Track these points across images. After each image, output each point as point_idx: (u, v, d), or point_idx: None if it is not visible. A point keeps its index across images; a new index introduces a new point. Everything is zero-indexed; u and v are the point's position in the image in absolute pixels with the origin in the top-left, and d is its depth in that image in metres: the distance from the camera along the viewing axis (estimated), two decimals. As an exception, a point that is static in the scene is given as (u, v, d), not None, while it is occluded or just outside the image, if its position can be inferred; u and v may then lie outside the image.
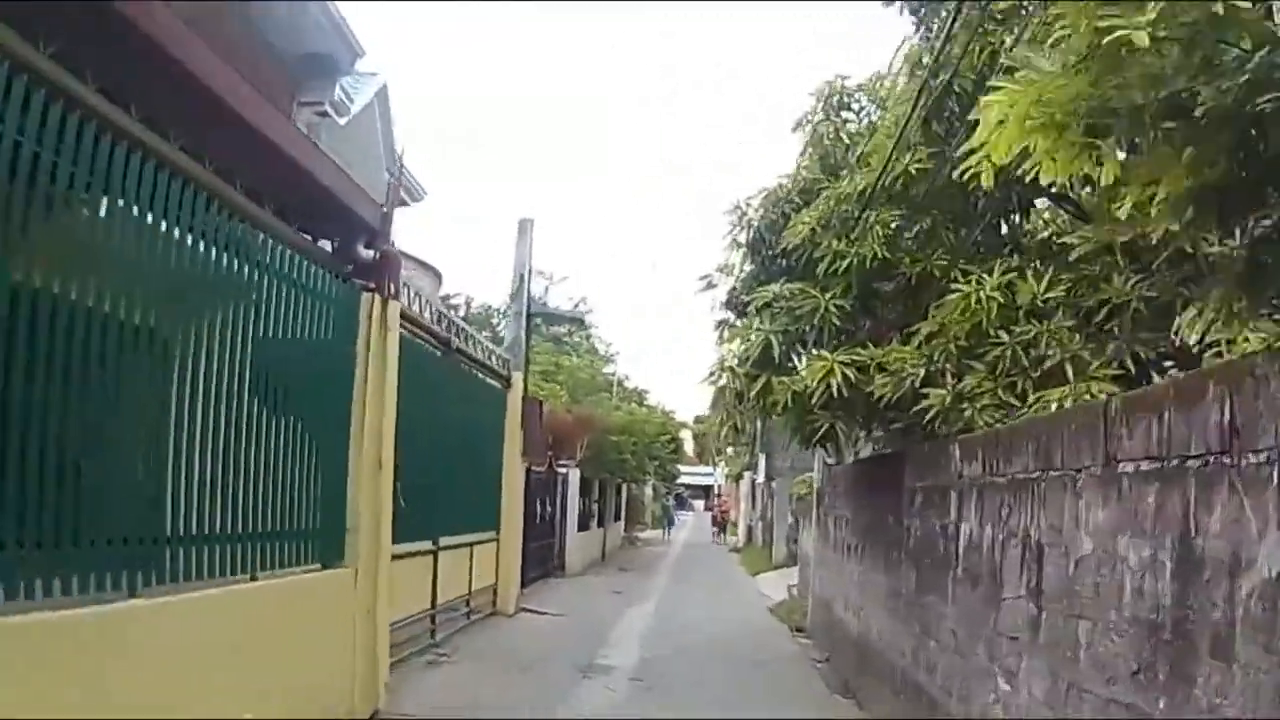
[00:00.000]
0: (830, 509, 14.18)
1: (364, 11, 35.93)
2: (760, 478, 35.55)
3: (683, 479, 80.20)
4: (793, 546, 25.70)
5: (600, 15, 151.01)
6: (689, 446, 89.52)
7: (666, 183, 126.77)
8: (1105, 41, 3.00)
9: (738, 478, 51.20)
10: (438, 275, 22.33)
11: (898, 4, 8.70)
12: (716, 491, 55.16)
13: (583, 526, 24.48)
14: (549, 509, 21.08)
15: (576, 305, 43.84)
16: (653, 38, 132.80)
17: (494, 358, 14.93)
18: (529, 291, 17.14)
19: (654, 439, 30.06)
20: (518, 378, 16.08)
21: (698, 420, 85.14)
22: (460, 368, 12.79)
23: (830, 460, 15.36)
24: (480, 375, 14.20)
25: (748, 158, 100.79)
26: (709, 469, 76.77)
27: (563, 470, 22.51)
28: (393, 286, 8.37)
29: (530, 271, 17.23)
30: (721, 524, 46.65)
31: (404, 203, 22.61)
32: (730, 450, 64.73)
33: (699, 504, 78.78)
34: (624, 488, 35.34)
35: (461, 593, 13.19)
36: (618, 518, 33.48)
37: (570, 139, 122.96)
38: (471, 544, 13.53)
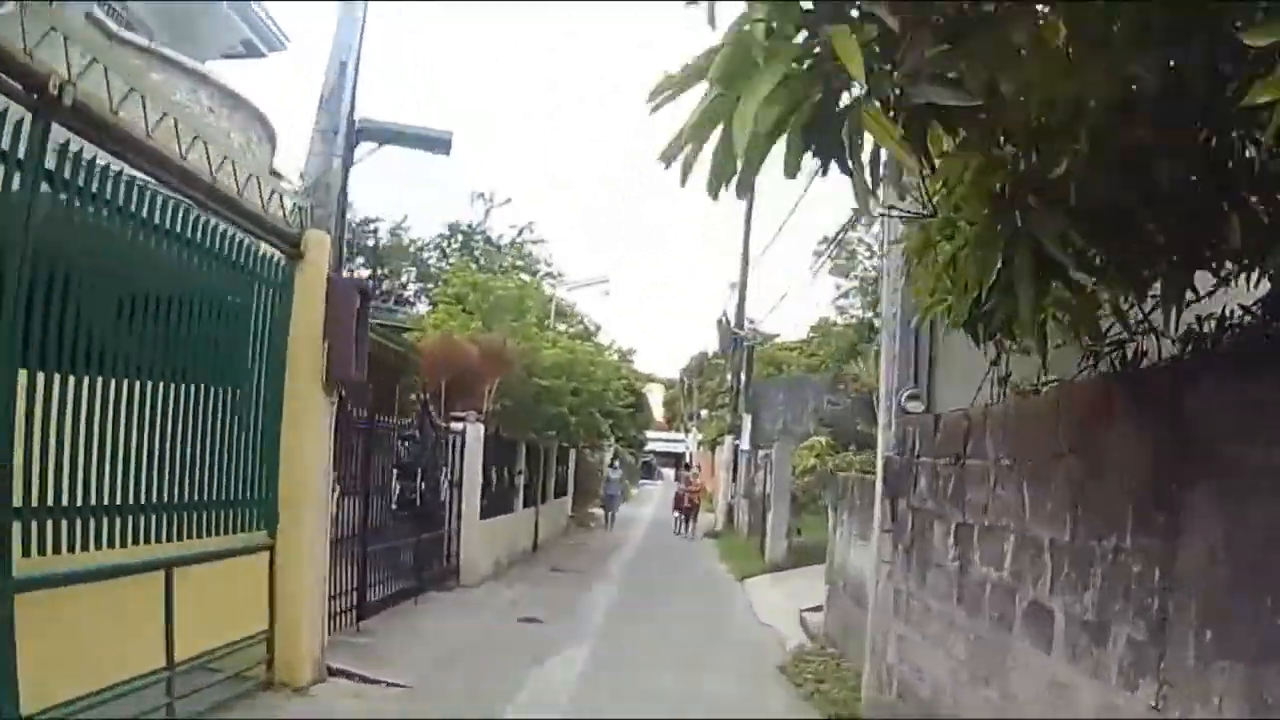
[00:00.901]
0: (939, 506, 6.64)
1: None
2: (745, 444, 28.08)
3: (651, 446, 73.48)
4: (795, 539, 18.17)
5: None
6: (659, 412, 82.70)
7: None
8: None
9: (713, 444, 43.67)
10: (269, 132, 14.35)
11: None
12: (688, 461, 47.30)
13: (495, 509, 16.85)
14: (426, 485, 13.42)
15: (520, 232, 36.10)
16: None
17: (279, 199, 7.21)
18: (354, 92, 9.36)
19: (605, 387, 22.38)
20: (317, 242, 8.41)
21: (668, 387, 78.65)
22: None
23: (917, 402, 7.93)
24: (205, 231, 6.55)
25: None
26: (680, 436, 69.69)
27: (458, 427, 14.85)
28: None
29: (358, 61, 9.44)
30: (689, 510, 29.30)
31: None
32: (704, 414, 57.71)
33: (669, 473, 71.65)
34: (572, 454, 27.75)
35: (192, 652, 5.84)
36: (562, 493, 25.87)
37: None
38: (199, 558, 6.06)
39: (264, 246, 7.99)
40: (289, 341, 8.29)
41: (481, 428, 15.22)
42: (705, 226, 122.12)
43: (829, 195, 43.68)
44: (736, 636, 12.32)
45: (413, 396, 13.18)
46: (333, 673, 8.83)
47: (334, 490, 10.31)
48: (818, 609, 12.59)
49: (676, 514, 29.72)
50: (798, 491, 18.73)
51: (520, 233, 35.72)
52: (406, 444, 12.85)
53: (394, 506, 12.06)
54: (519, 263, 32.16)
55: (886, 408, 8.27)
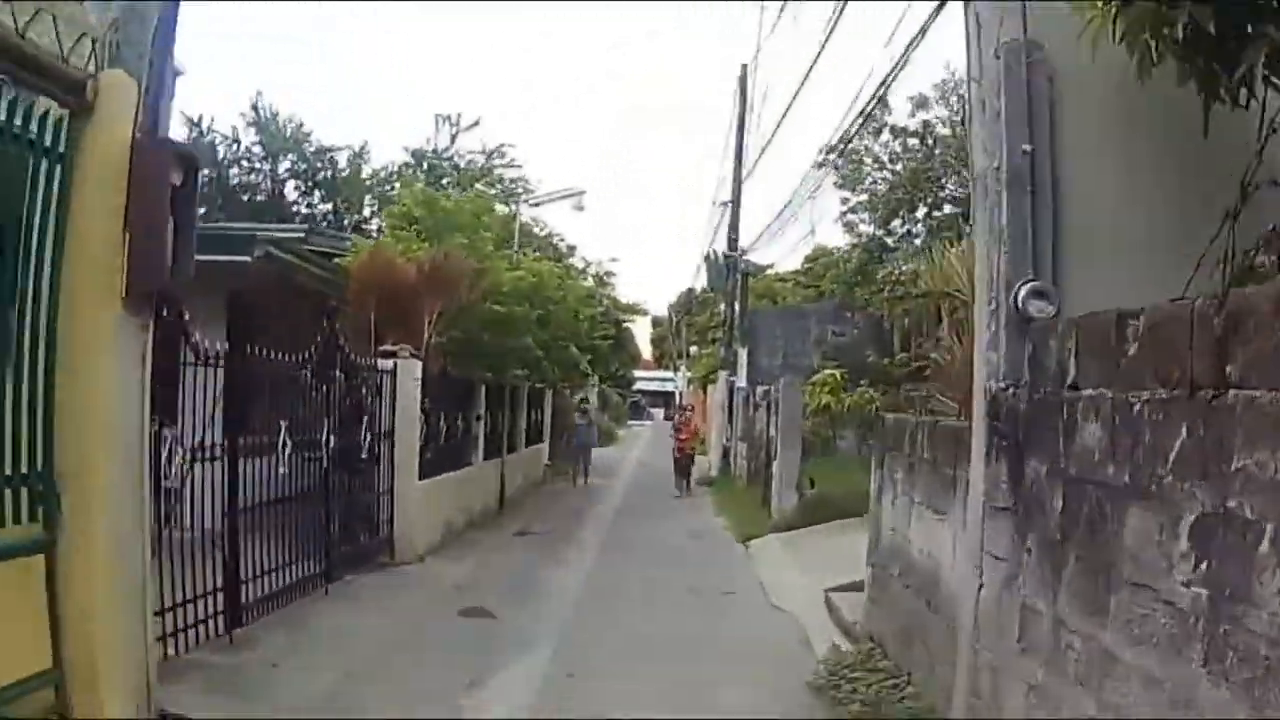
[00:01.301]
0: (1139, 478, 3.53)
1: None
2: (741, 380, 25.08)
3: (639, 386, 70.50)
4: (806, 494, 15.25)
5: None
6: (647, 351, 79.49)
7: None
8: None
9: (705, 381, 40.71)
10: None
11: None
12: (679, 402, 44.27)
13: (444, 463, 13.88)
14: (338, 438, 10.39)
15: (490, 156, 32.57)
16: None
17: None
18: None
19: (578, 315, 19.07)
20: (115, 88, 5.27)
21: (656, 324, 75.33)
22: None
23: (1043, 301, 4.88)
24: None
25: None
26: (669, 374, 66.78)
27: (387, 364, 11.78)
28: None
29: None
30: (688, 463, 23.30)
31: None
32: (694, 350, 54.67)
33: (658, 413, 68.94)
34: (548, 395, 24.69)
35: None
36: (537, 439, 22.85)
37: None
38: None
39: (42, 100, 4.93)
40: (69, 236, 5.22)
41: (418, 365, 12.13)
42: (695, 160, 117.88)
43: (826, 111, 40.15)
44: (743, 631, 9.37)
45: (326, 329, 10.07)
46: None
47: (176, 454, 7.30)
48: (850, 588, 9.71)
49: (677, 475, 23.04)
50: (807, 434, 15.78)
51: (489, 156, 32.17)
52: (310, 386, 9.77)
53: (283, 470, 9.01)
54: (492, 190, 28.67)
55: (990, 312, 5.22)
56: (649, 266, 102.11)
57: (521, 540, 15.06)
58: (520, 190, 23.16)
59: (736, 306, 25.43)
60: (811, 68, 18.97)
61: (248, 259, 12.18)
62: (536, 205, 21.58)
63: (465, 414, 15.44)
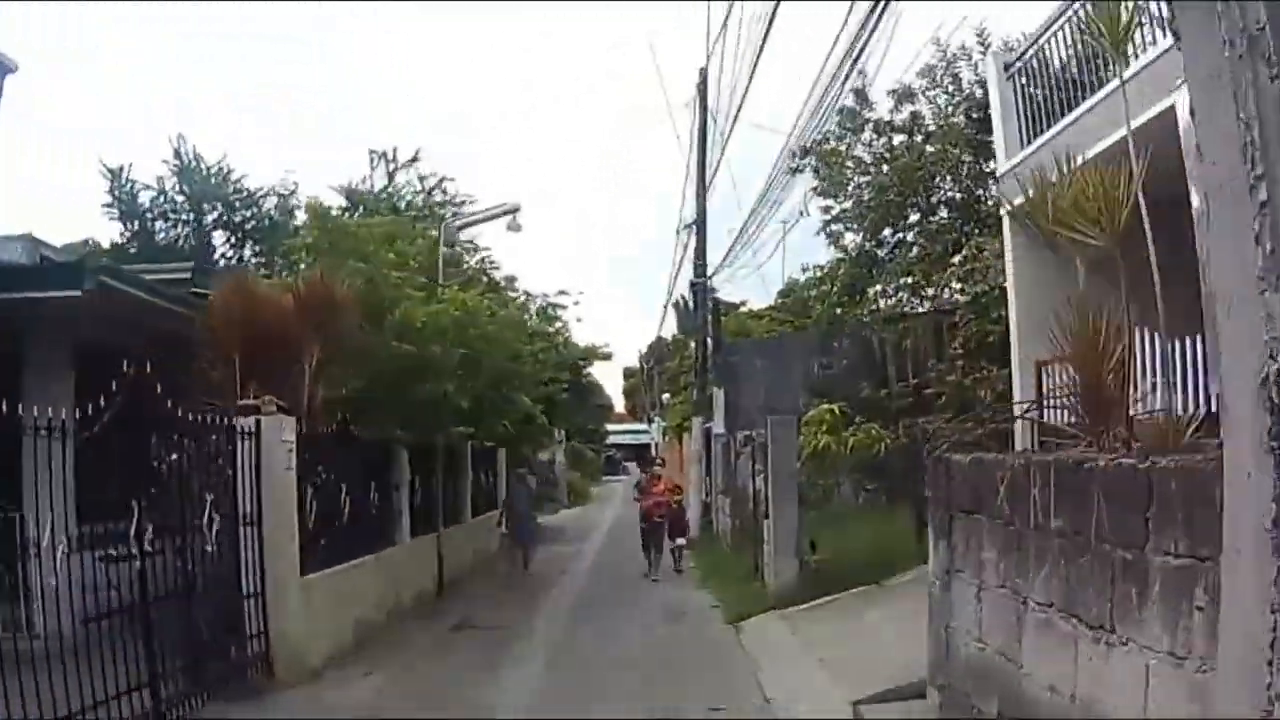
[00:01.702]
0: None
1: None
2: (718, 426, 22.13)
3: (613, 440, 67.14)
4: (809, 560, 12.30)
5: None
6: (620, 404, 76.20)
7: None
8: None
9: (679, 429, 37.65)
10: None
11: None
12: (655, 456, 41.04)
13: (352, 547, 10.91)
14: (179, 527, 7.39)
15: (429, 192, 29.65)
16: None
17: None
18: None
19: (518, 357, 15.87)
20: None
21: (628, 376, 72.26)
22: None
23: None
24: None
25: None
26: (644, 426, 63.60)
27: (247, 422, 8.80)
28: None
29: None
30: (662, 531, 17.50)
31: None
32: (666, 398, 51.62)
33: (633, 466, 65.68)
34: (502, 455, 21.55)
35: None
36: (489, 506, 19.67)
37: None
38: None
39: None
40: None
41: (290, 422, 9.15)
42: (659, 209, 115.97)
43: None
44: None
45: (127, 377, 7.10)
46: None
47: None
48: (888, 698, 6.86)
49: (647, 551, 17.22)
50: (803, 484, 12.84)
51: (430, 193, 29.25)
52: (101, 456, 6.81)
53: (55, 578, 6.03)
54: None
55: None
56: (622, 316, 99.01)
57: (459, 637, 12.02)
58: (449, 214, 19.66)
59: (709, 341, 22.56)
60: (757, 64, 16.41)
61: (77, 293, 9.29)
62: (464, 227, 18.43)
63: (381, 483, 12.45)
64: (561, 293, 22.64)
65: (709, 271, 21.95)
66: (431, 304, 12.73)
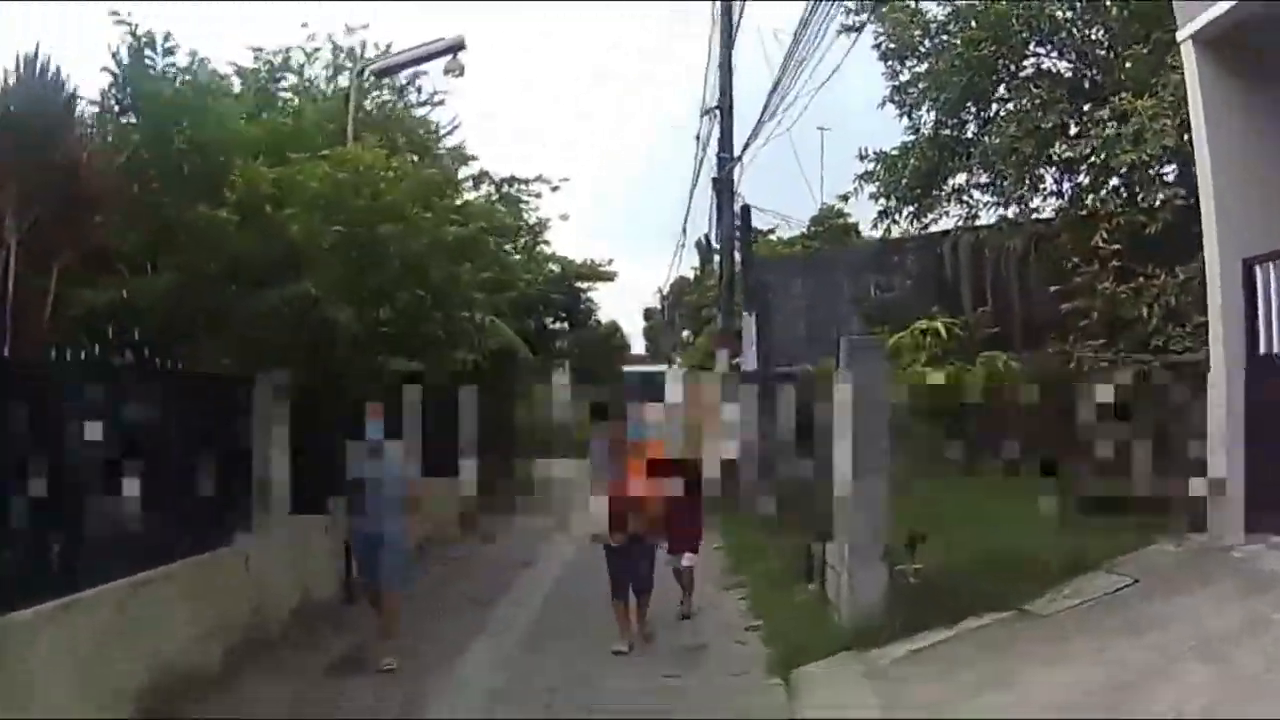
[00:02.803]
0: None
1: None
2: (749, 360, 17.34)
3: (626, 376, 62.13)
4: (908, 569, 7.56)
5: None
6: (638, 345, 71.14)
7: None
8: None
9: (701, 368, 32.70)
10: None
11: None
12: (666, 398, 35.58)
13: (125, 555, 6.31)
14: None
15: (402, 91, 24.51)
16: None
17: None
18: None
19: (460, 247, 9.83)
20: None
21: (648, 316, 67.33)
22: None
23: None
24: None
25: None
26: (661, 368, 58.89)
27: None
28: None
29: None
30: (676, 538, 9.37)
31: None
32: (686, 334, 46.99)
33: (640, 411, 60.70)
34: (463, 392, 16.50)
35: None
36: (445, 463, 14.89)
37: None
38: None
39: None
40: None
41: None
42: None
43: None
44: None
45: None
46: None
47: None
48: None
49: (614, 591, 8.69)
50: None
51: (401, 92, 24.05)
52: None
53: None
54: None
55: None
56: (646, 261, 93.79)
57: (330, 687, 7.48)
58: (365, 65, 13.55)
59: (737, 256, 17.59)
60: None
61: None
62: (384, 74, 13.16)
63: (220, 445, 7.84)
64: (538, 178, 16.16)
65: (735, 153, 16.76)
66: (294, 167, 7.93)
